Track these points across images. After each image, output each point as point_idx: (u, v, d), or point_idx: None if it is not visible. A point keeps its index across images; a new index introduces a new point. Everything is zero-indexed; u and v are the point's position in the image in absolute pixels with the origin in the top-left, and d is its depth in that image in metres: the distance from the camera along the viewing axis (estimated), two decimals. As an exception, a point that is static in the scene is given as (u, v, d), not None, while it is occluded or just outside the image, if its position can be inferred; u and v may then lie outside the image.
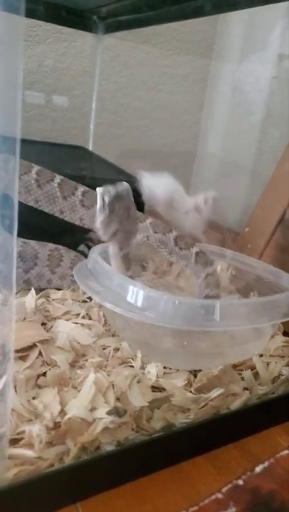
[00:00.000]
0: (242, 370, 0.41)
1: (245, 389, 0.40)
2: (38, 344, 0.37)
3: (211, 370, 0.39)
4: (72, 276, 0.47)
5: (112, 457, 0.32)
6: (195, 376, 0.39)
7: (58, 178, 0.49)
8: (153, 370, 0.38)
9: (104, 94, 0.86)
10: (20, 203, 0.48)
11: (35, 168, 0.48)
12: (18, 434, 0.30)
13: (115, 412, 0.32)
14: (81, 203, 0.48)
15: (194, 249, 0.47)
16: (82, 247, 0.57)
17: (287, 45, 0.74)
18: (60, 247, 0.52)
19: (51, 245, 0.51)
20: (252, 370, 0.41)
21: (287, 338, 0.49)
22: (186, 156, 0.99)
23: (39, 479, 0.29)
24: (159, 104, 0.93)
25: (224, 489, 0.26)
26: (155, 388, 0.37)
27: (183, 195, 0.52)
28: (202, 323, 0.35)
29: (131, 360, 0.39)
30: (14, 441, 0.29)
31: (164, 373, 0.38)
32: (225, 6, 0.58)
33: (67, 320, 0.43)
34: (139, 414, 0.34)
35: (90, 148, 0.85)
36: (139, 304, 0.35)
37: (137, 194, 0.47)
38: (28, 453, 0.29)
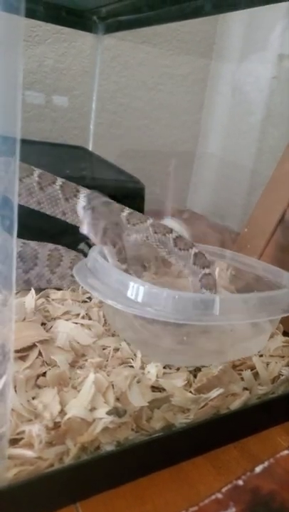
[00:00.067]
0: (242, 370, 0.41)
1: (245, 389, 0.40)
2: (37, 344, 0.37)
3: (211, 370, 0.39)
4: (72, 276, 0.47)
5: (111, 457, 0.32)
6: (195, 376, 0.39)
7: (60, 180, 0.49)
8: (153, 370, 0.38)
9: (104, 94, 0.86)
10: (22, 205, 0.49)
11: (37, 171, 0.48)
12: (17, 434, 0.30)
13: (115, 412, 0.32)
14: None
15: (193, 250, 0.47)
16: (82, 246, 0.57)
17: (287, 45, 0.74)
18: (59, 247, 0.52)
19: (51, 245, 0.51)
20: (252, 370, 0.41)
21: (287, 338, 0.49)
22: (186, 156, 0.99)
23: (39, 479, 0.29)
24: (159, 104, 0.93)
25: (224, 489, 0.26)
26: (155, 388, 0.37)
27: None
28: (202, 318, 0.35)
29: (131, 360, 0.39)
30: (14, 442, 0.29)
31: (164, 373, 0.38)
32: (225, 6, 0.58)
33: (67, 320, 0.43)
34: (138, 415, 0.34)
35: (90, 149, 0.85)
36: (140, 299, 0.35)
37: (138, 195, 0.47)
38: (28, 453, 0.29)
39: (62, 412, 0.31)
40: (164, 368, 0.39)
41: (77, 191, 0.49)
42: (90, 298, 0.49)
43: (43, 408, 0.31)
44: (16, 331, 0.36)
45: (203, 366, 0.40)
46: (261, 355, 0.44)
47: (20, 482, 0.28)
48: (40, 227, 0.50)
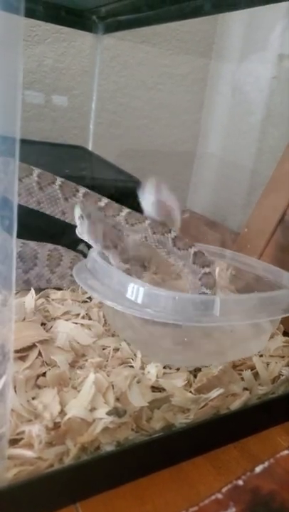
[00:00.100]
0: (242, 370, 0.41)
1: (245, 389, 0.40)
2: (37, 344, 0.37)
3: (211, 370, 0.39)
4: (71, 275, 0.47)
5: (111, 457, 0.32)
6: (195, 376, 0.39)
7: (59, 180, 0.49)
8: (153, 370, 0.38)
9: (103, 94, 0.86)
10: (21, 205, 0.49)
11: (36, 171, 0.48)
12: (17, 434, 0.29)
13: (115, 412, 0.32)
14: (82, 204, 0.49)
15: (192, 250, 0.47)
16: (81, 247, 0.57)
17: (287, 45, 0.74)
18: (59, 247, 0.52)
19: (50, 245, 0.51)
20: (252, 370, 0.41)
21: (287, 338, 0.49)
22: (185, 156, 0.99)
23: (39, 479, 0.29)
24: (158, 103, 0.93)
25: (224, 489, 0.26)
26: (155, 388, 0.37)
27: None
28: (202, 319, 0.35)
29: (131, 361, 0.39)
30: (14, 442, 0.29)
31: (164, 373, 0.38)
32: (225, 5, 0.58)
33: (66, 320, 0.43)
34: (138, 415, 0.34)
35: (90, 148, 0.85)
36: (140, 300, 0.35)
37: (137, 196, 0.47)
38: (28, 453, 0.29)
39: (62, 413, 0.31)
40: (164, 368, 0.39)
41: (77, 191, 0.49)
42: (89, 298, 0.49)
43: (43, 408, 0.31)
44: (16, 331, 0.36)
45: (204, 366, 0.40)
46: (261, 355, 0.44)
47: (20, 482, 0.28)
48: (40, 227, 0.50)
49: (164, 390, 0.37)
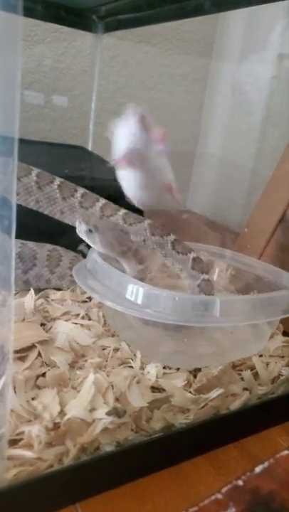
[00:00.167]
0: (242, 371, 0.41)
1: (245, 389, 0.40)
2: (37, 345, 0.37)
3: (211, 370, 0.39)
4: (71, 276, 0.47)
5: (111, 458, 0.32)
6: (195, 376, 0.39)
7: (58, 180, 0.49)
8: (152, 370, 0.38)
9: (103, 93, 0.86)
10: (20, 206, 0.49)
11: (35, 170, 0.48)
12: (17, 434, 0.29)
13: (115, 412, 0.32)
14: (80, 205, 0.49)
15: (192, 255, 0.47)
16: (81, 247, 0.57)
17: (287, 45, 0.74)
18: (58, 247, 0.52)
19: (49, 246, 0.51)
20: (251, 370, 0.41)
21: (286, 338, 0.49)
22: (185, 156, 0.99)
23: (38, 480, 0.29)
24: (158, 103, 0.93)
25: (224, 489, 0.26)
26: (155, 389, 0.37)
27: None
28: (201, 319, 0.35)
29: (130, 361, 0.39)
30: (13, 442, 0.29)
31: (164, 374, 0.38)
32: (225, 4, 0.58)
33: (66, 320, 0.43)
34: (138, 415, 0.34)
35: (90, 148, 0.85)
36: (139, 301, 0.35)
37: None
38: (28, 454, 0.29)
39: (61, 413, 0.31)
40: (164, 368, 0.39)
41: (75, 191, 0.49)
42: (89, 298, 0.49)
43: (43, 409, 0.31)
44: (16, 332, 0.36)
45: (203, 366, 0.40)
46: (261, 356, 0.44)
47: (19, 483, 0.28)
48: (39, 227, 0.50)
49: (163, 390, 0.37)
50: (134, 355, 0.40)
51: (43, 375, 0.35)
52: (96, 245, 0.41)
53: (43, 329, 0.41)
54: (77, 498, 0.31)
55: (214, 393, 0.37)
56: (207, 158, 0.97)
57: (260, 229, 0.64)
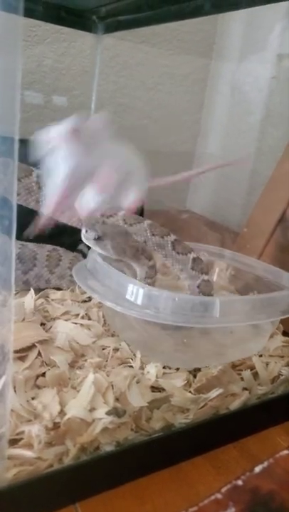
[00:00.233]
0: (241, 370, 0.41)
1: (245, 389, 0.40)
2: (37, 344, 0.37)
3: (211, 370, 0.39)
4: (71, 276, 0.47)
5: (111, 457, 0.32)
6: (194, 376, 0.39)
7: None
8: (152, 370, 0.38)
9: (103, 94, 0.86)
10: (20, 206, 0.49)
11: (36, 171, 0.49)
12: (17, 434, 0.30)
13: (114, 412, 0.32)
14: None
15: (192, 255, 0.47)
16: (81, 246, 0.57)
17: (286, 45, 0.74)
18: (58, 248, 0.52)
19: (49, 246, 0.51)
20: (251, 370, 0.41)
21: (286, 338, 0.49)
22: (185, 156, 0.99)
23: (38, 480, 0.29)
24: (158, 104, 0.93)
25: (223, 489, 0.26)
26: (154, 388, 0.37)
27: None
28: (201, 320, 0.35)
29: (130, 361, 0.39)
30: (13, 442, 0.29)
31: (164, 373, 0.38)
32: (225, 5, 0.58)
33: (66, 320, 0.43)
34: (138, 415, 0.34)
35: (90, 148, 0.85)
36: (139, 301, 0.35)
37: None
38: (28, 453, 0.29)
39: (61, 413, 0.31)
40: (164, 368, 0.39)
41: None
42: (89, 298, 0.49)
43: (43, 408, 0.31)
44: (16, 332, 0.36)
45: (203, 366, 0.40)
46: (261, 355, 0.44)
47: (19, 482, 0.28)
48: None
49: (163, 390, 0.37)
50: (134, 355, 0.40)
51: (43, 374, 0.35)
52: (108, 252, 0.41)
53: (43, 329, 0.41)
54: (77, 498, 0.31)
55: (214, 393, 0.37)
56: (207, 158, 0.97)
57: (259, 229, 0.64)
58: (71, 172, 0.27)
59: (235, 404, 0.39)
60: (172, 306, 0.35)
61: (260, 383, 0.41)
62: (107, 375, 0.36)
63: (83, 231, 0.41)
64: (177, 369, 0.40)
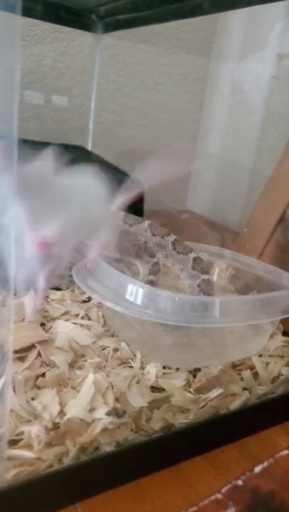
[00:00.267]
0: (241, 370, 0.41)
1: (245, 389, 0.40)
2: (36, 345, 0.37)
3: (210, 370, 0.39)
4: (70, 276, 0.47)
5: (111, 458, 0.32)
6: (194, 376, 0.39)
7: None
8: (152, 370, 0.38)
9: (103, 93, 0.86)
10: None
11: None
12: (17, 435, 0.29)
13: (114, 412, 0.32)
14: None
15: (192, 255, 0.47)
16: (81, 247, 0.57)
17: (286, 45, 0.74)
18: (58, 247, 0.52)
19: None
20: (251, 370, 0.41)
21: (286, 337, 0.49)
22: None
23: (38, 480, 0.29)
24: (158, 103, 0.93)
25: (223, 489, 0.26)
26: (154, 389, 0.37)
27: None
28: (201, 320, 0.35)
29: (130, 361, 0.39)
30: (13, 442, 0.29)
31: (164, 374, 0.38)
32: (224, 4, 0.58)
33: (66, 320, 0.43)
34: (138, 415, 0.34)
35: (89, 148, 0.85)
36: (139, 301, 0.35)
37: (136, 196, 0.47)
38: (27, 454, 0.29)
39: (61, 413, 0.31)
40: (164, 368, 0.39)
41: None
42: (89, 298, 0.49)
43: (42, 409, 0.31)
44: (15, 332, 0.36)
45: (203, 366, 0.40)
46: (261, 355, 0.44)
47: (19, 483, 0.28)
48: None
49: (163, 390, 0.37)
50: (134, 355, 0.40)
51: (43, 375, 0.35)
52: (111, 252, 0.41)
53: (43, 329, 0.41)
54: (77, 498, 0.31)
55: (214, 393, 0.37)
56: (206, 158, 0.97)
57: (259, 229, 0.64)
58: None
59: (235, 404, 0.39)
60: (172, 306, 0.35)
61: (260, 383, 0.41)
62: (107, 376, 0.36)
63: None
64: (177, 369, 0.39)
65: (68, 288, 0.50)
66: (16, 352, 0.36)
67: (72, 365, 0.37)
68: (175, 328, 0.38)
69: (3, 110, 0.21)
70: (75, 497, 0.31)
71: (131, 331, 0.42)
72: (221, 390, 0.37)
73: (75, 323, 0.42)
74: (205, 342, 0.41)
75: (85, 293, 0.49)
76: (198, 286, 0.45)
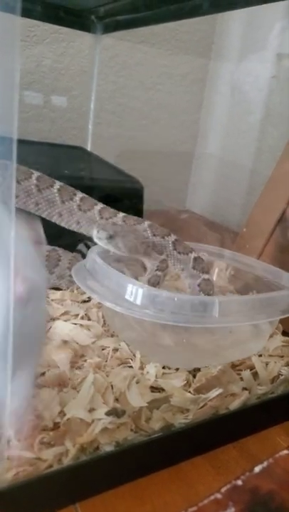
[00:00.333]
0: (241, 370, 0.41)
1: (244, 389, 0.40)
2: (36, 345, 0.37)
3: (210, 370, 0.39)
4: (70, 276, 0.47)
5: (111, 458, 0.32)
6: (194, 376, 0.39)
7: (58, 184, 0.49)
8: (152, 370, 0.38)
9: (102, 94, 0.86)
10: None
11: (35, 174, 0.49)
12: (16, 435, 0.29)
13: (114, 412, 0.32)
14: (78, 208, 0.49)
15: (192, 255, 0.47)
16: (80, 246, 0.57)
17: (286, 45, 0.74)
18: (57, 248, 0.52)
19: (48, 247, 0.51)
20: (251, 370, 0.41)
21: (286, 337, 0.49)
22: (184, 156, 0.99)
23: (38, 480, 0.29)
24: (157, 104, 0.93)
25: (223, 489, 0.26)
26: (154, 389, 0.37)
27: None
28: (201, 320, 0.35)
29: (130, 361, 0.39)
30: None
31: (163, 374, 0.38)
32: (223, 5, 0.58)
33: (66, 320, 0.43)
34: (138, 415, 0.34)
35: (89, 149, 0.85)
36: (139, 301, 0.35)
37: (137, 195, 0.47)
38: (27, 454, 0.29)
39: (61, 413, 0.31)
40: (163, 368, 0.39)
41: (74, 195, 0.50)
42: (89, 298, 0.49)
43: (43, 409, 0.31)
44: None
45: (203, 366, 0.40)
46: (260, 355, 0.44)
47: (19, 483, 0.28)
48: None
49: (163, 390, 0.37)
50: (134, 355, 0.40)
51: (43, 374, 0.35)
52: (120, 250, 0.42)
53: (43, 329, 0.41)
54: (77, 498, 0.31)
55: (213, 393, 0.37)
56: (206, 158, 0.97)
57: (259, 229, 0.64)
58: None
59: (234, 404, 0.39)
60: (172, 306, 0.35)
61: (259, 383, 0.41)
62: (107, 376, 0.36)
63: (94, 232, 0.42)
64: (177, 369, 0.40)
65: (68, 288, 0.51)
66: (15, 352, 0.36)
67: (72, 365, 0.37)
68: (174, 328, 0.38)
69: (3, 111, 0.21)
70: (74, 497, 0.31)
71: (130, 331, 0.42)
72: (220, 390, 0.37)
73: (75, 323, 0.42)
74: (204, 342, 0.41)
75: (84, 293, 0.49)
76: (199, 285, 0.45)
